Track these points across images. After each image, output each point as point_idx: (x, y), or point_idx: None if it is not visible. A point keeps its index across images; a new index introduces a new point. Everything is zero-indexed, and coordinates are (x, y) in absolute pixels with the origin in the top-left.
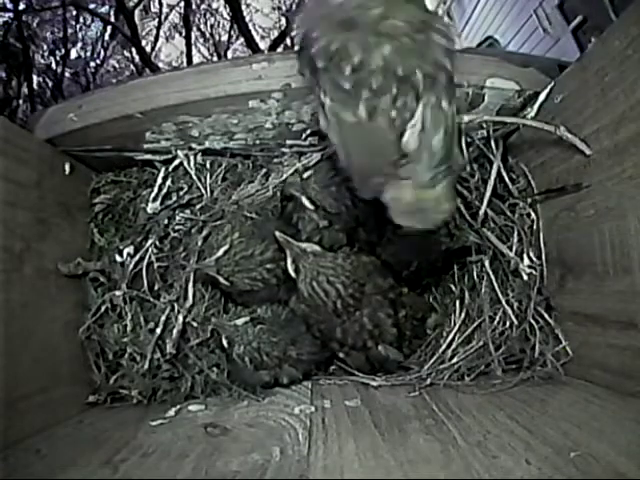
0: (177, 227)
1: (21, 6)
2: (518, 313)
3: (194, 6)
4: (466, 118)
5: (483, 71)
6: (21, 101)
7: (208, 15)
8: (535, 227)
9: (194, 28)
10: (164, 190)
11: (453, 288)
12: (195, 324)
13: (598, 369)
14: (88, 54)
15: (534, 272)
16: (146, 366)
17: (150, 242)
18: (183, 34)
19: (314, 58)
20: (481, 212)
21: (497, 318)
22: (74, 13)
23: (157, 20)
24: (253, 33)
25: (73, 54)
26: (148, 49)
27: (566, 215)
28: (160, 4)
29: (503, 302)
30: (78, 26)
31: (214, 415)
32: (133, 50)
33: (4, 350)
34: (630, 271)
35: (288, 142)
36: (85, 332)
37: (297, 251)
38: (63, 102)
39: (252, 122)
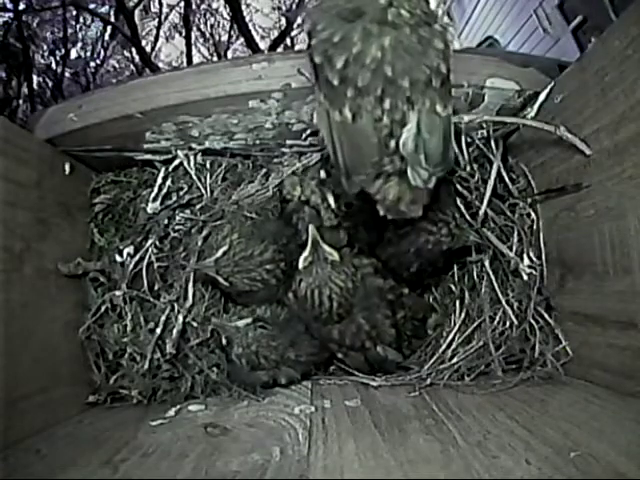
0: (177, 227)
1: (21, 6)
2: (518, 313)
3: (194, 6)
4: (466, 118)
5: (483, 71)
6: (21, 101)
7: (208, 15)
8: (535, 227)
9: (194, 28)
10: (164, 190)
11: (453, 288)
12: (195, 324)
13: (598, 369)
14: (88, 54)
15: (534, 272)
16: (146, 366)
17: (150, 242)
18: (183, 34)
19: (312, 53)
20: (481, 212)
21: (497, 318)
22: (74, 13)
23: (157, 20)
24: (253, 33)
25: (73, 54)
26: (148, 49)
27: (566, 215)
28: (160, 4)
29: (503, 302)
30: (78, 26)
31: (214, 415)
32: (133, 50)
33: (4, 350)
34: (630, 271)
35: (288, 142)
36: (85, 332)
37: (320, 254)
38: (63, 102)
39: (252, 122)
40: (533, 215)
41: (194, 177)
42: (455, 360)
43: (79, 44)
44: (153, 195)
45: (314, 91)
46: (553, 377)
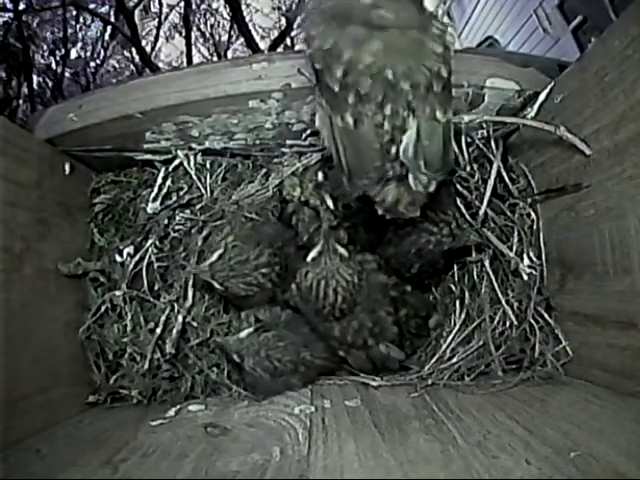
0: (177, 227)
1: (21, 6)
2: (518, 313)
3: (194, 6)
4: (466, 118)
5: (483, 71)
6: (21, 101)
7: (208, 15)
8: (535, 227)
9: (194, 28)
10: (164, 190)
11: (453, 288)
12: (195, 324)
13: (598, 369)
14: (88, 54)
15: (534, 272)
16: (146, 366)
17: (150, 242)
18: (183, 34)
19: (311, 59)
20: (481, 212)
21: (497, 318)
22: (74, 13)
23: (157, 20)
24: (253, 33)
25: (73, 54)
26: (148, 49)
27: (566, 215)
28: (160, 4)
29: (503, 302)
30: (78, 26)
31: (214, 415)
32: (133, 50)
33: (4, 350)
34: (630, 271)
35: (288, 142)
36: (85, 332)
37: (330, 246)
38: (63, 102)
39: (252, 122)
40: (533, 215)
41: (194, 177)
42: (455, 360)
43: (79, 44)
44: (153, 195)
45: (314, 92)
46: (553, 377)
